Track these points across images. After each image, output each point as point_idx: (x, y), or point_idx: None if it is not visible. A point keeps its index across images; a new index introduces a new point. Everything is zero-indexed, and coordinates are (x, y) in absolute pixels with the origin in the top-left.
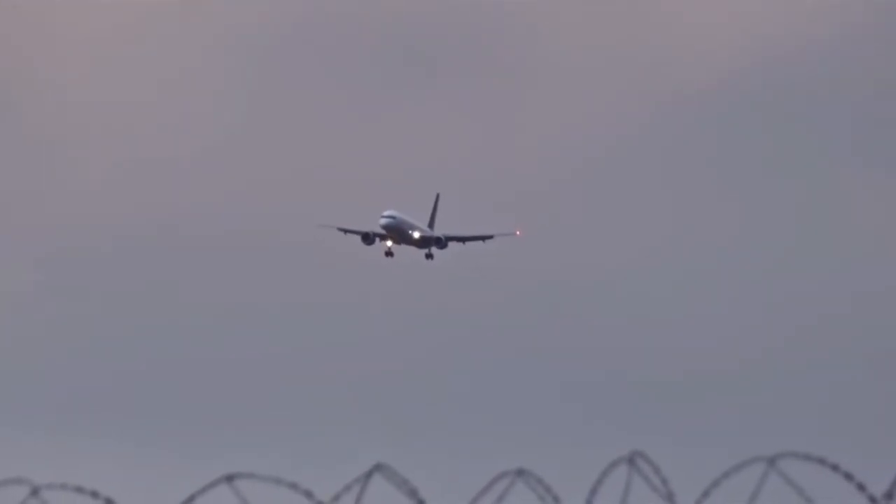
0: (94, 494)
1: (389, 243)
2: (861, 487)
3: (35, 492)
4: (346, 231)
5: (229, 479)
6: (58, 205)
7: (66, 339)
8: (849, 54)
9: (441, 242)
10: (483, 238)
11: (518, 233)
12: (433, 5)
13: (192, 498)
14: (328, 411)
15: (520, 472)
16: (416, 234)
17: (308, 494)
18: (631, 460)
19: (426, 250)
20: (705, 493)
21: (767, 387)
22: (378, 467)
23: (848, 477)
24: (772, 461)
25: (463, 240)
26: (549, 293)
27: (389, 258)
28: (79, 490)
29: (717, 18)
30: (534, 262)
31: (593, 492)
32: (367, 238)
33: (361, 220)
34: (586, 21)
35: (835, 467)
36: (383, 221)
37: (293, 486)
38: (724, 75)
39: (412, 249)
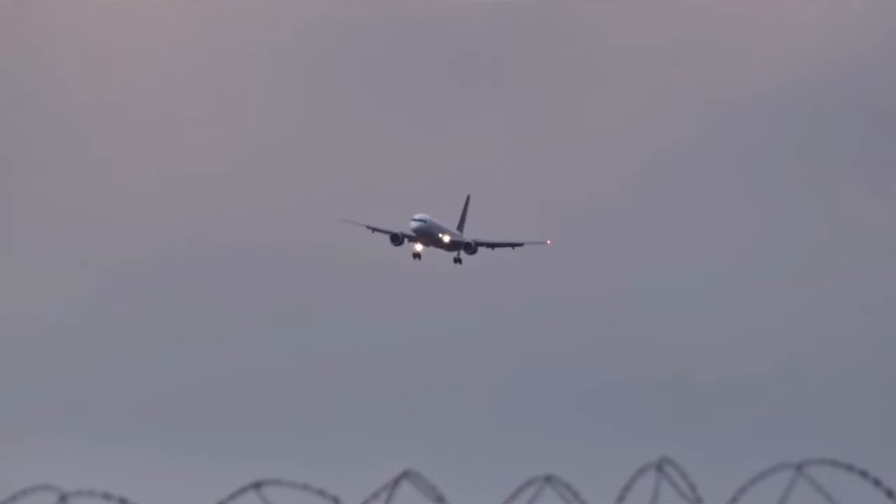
0: (123, 501)
1: (419, 246)
2: (889, 494)
3: (63, 498)
4: (374, 230)
5: (257, 485)
6: (89, 213)
7: (92, 346)
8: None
9: (470, 247)
10: (513, 245)
11: (549, 242)
12: (464, 10)
13: None
14: (356, 417)
15: (548, 479)
16: (446, 238)
17: (335, 501)
18: (659, 466)
19: (455, 254)
20: (733, 500)
21: (795, 393)
22: (406, 474)
23: (876, 483)
24: (800, 467)
25: (493, 245)
26: (576, 300)
27: (417, 260)
28: (106, 497)
29: (762, 29)
30: (562, 268)
31: (621, 498)
32: (396, 239)
33: (389, 222)
34: (627, 27)
35: (863, 473)
36: (414, 225)
37: (321, 493)
38: (766, 85)
39: (440, 252)
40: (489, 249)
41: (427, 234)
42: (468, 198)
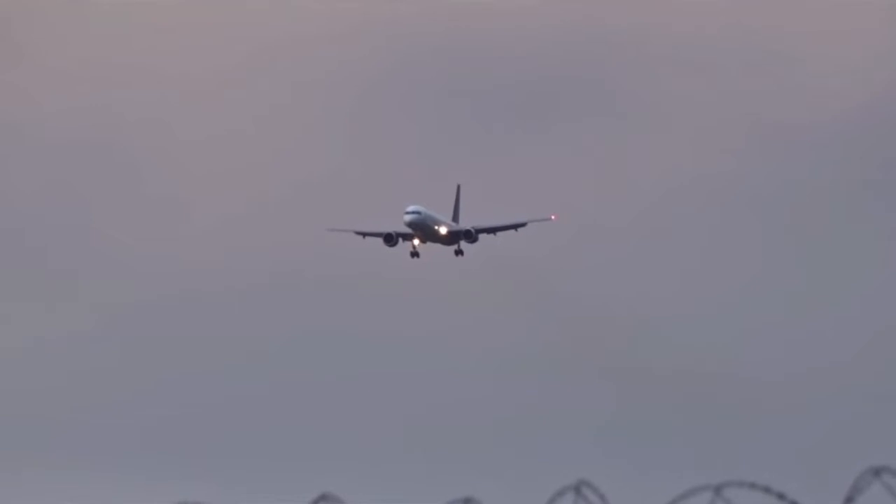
0: None
1: (416, 241)
2: None
3: None
4: (364, 235)
5: None
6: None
7: (33, 373)
8: None
9: (471, 235)
10: (516, 227)
11: (554, 217)
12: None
13: None
14: (273, 439)
15: (466, 501)
16: (443, 230)
17: None
18: (577, 488)
19: (455, 246)
20: None
21: (714, 414)
22: (323, 497)
23: None
24: (718, 489)
25: (494, 230)
26: (498, 318)
27: (415, 259)
28: None
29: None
30: (494, 285)
31: None
32: (391, 239)
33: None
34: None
35: (781, 496)
36: (408, 218)
37: None
38: (816, 121)
39: (438, 247)
40: (491, 235)
41: (422, 227)
42: (458, 188)
